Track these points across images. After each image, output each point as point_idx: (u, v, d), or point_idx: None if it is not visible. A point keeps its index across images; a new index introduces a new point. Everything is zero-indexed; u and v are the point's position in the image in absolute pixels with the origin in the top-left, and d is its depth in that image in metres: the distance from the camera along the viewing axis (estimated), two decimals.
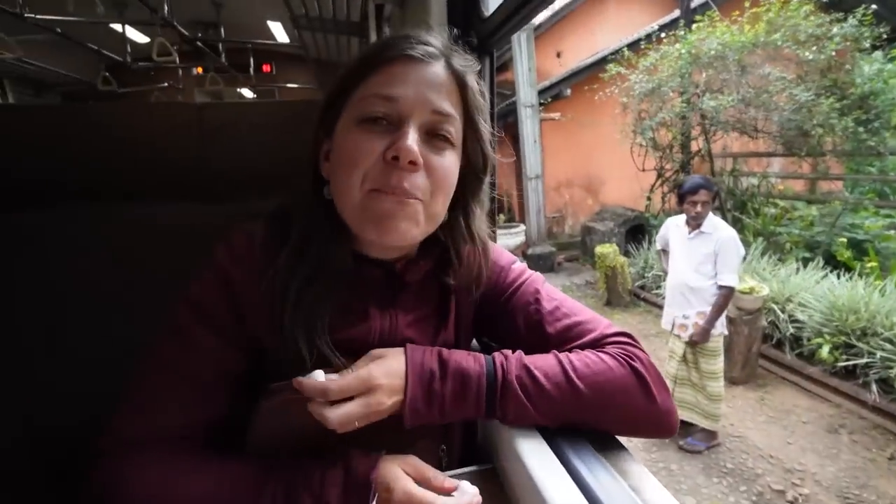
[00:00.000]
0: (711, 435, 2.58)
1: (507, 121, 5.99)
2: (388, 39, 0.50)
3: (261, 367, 0.52)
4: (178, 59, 4.32)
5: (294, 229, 0.51)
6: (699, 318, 2.43)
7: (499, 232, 5.82)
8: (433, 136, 0.48)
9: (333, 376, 0.46)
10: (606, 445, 0.50)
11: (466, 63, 0.51)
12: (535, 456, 0.48)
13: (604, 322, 0.57)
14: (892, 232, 4.18)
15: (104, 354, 0.73)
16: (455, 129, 0.49)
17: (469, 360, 0.51)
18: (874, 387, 2.60)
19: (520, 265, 0.63)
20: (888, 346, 2.60)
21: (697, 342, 2.44)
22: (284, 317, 0.48)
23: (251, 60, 5.56)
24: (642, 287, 4.65)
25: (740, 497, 2.24)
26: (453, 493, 0.47)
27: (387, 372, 0.47)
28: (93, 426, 0.48)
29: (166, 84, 5.87)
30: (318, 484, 0.45)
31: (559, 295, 0.60)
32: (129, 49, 4.38)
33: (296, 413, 0.47)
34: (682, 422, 2.63)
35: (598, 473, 0.45)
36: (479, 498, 0.47)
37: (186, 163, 0.78)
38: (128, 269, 0.76)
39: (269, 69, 6.58)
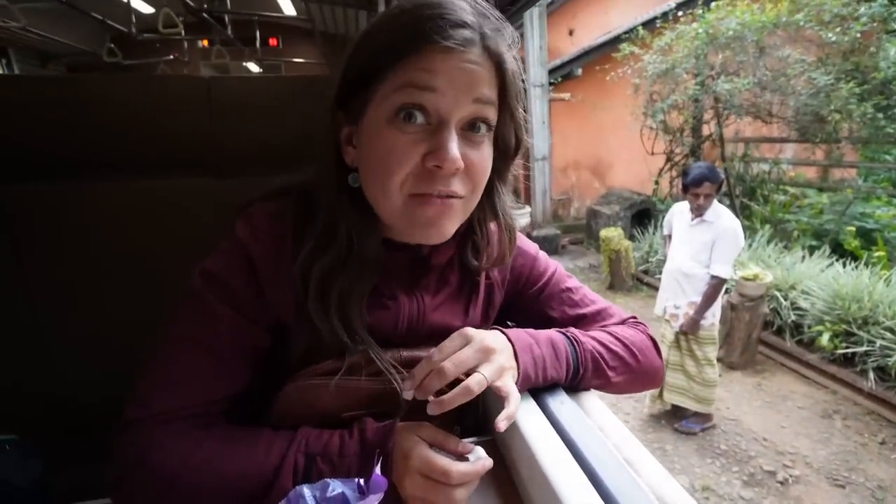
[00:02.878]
0: (706, 417, 2.62)
1: None
2: (418, 14, 0.42)
3: (283, 344, 0.52)
4: (183, 31, 4.27)
5: (319, 215, 0.49)
6: (690, 308, 2.45)
7: None
8: (470, 128, 0.45)
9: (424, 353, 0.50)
10: (582, 398, 0.55)
11: (501, 37, 0.46)
12: (531, 423, 0.50)
13: (617, 307, 0.66)
14: None
15: (110, 331, 0.76)
16: (492, 115, 0.47)
17: (546, 331, 0.57)
18: (871, 374, 2.62)
19: (544, 254, 0.66)
20: (888, 334, 2.61)
21: (687, 332, 2.47)
22: (316, 303, 0.47)
23: (257, 33, 5.48)
24: (645, 272, 4.65)
25: (732, 477, 2.29)
26: (468, 457, 0.47)
27: (494, 339, 0.50)
28: (110, 399, 0.50)
29: (172, 56, 5.82)
30: (335, 452, 0.46)
31: (577, 282, 0.65)
32: (133, 20, 4.31)
33: (319, 397, 0.49)
34: (675, 405, 2.68)
35: (587, 434, 0.47)
36: (491, 461, 0.48)
37: (195, 137, 0.78)
38: (134, 245, 0.76)
39: (275, 43, 6.49)
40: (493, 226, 0.56)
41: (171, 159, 0.78)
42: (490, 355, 0.48)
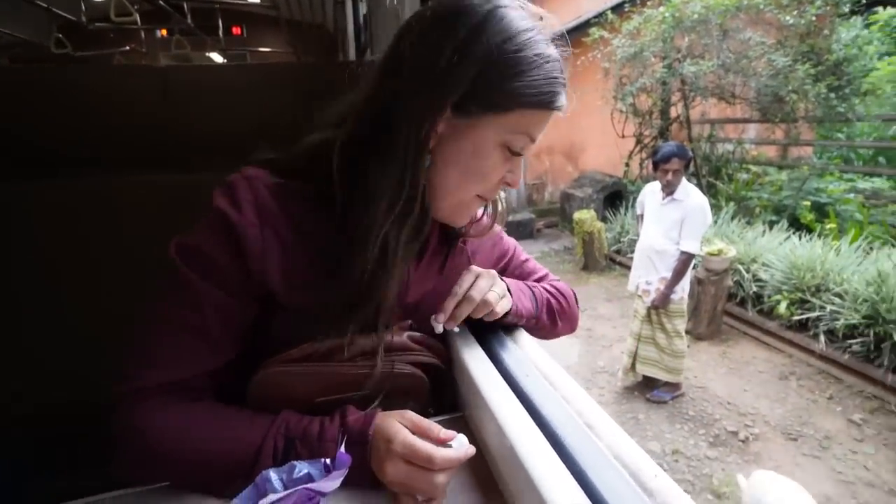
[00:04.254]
0: (675, 386, 2.78)
1: None
2: (553, 73, 0.48)
3: (269, 315, 0.51)
4: (138, 20, 4.03)
5: (370, 182, 0.47)
6: (661, 283, 2.57)
7: None
8: None
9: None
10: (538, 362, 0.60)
11: None
12: (496, 395, 0.52)
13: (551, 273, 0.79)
14: (851, 196, 4.38)
15: (61, 329, 0.71)
16: None
17: (516, 280, 0.69)
18: (822, 337, 2.82)
19: (504, 233, 0.76)
20: (837, 300, 2.81)
21: (659, 307, 2.59)
22: (381, 271, 0.48)
23: (220, 22, 5.27)
24: (618, 252, 4.81)
25: (699, 439, 2.45)
26: (451, 444, 0.48)
27: (495, 275, 0.62)
28: (76, 403, 0.48)
29: (128, 48, 5.51)
30: (315, 437, 0.47)
31: (526, 254, 0.78)
32: (83, 7, 3.99)
33: (292, 384, 0.50)
34: (647, 376, 2.83)
35: (539, 389, 0.52)
36: (474, 449, 0.48)
37: (151, 129, 0.73)
38: (86, 244, 0.71)
39: (239, 31, 6.27)
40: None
41: (125, 153, 0.74)
42: (494, 281, 0.61)
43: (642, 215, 2.79)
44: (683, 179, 2.51)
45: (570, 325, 0.75)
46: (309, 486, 0.37)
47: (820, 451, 2.28)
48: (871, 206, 4.42)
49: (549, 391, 0.51)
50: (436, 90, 0.45)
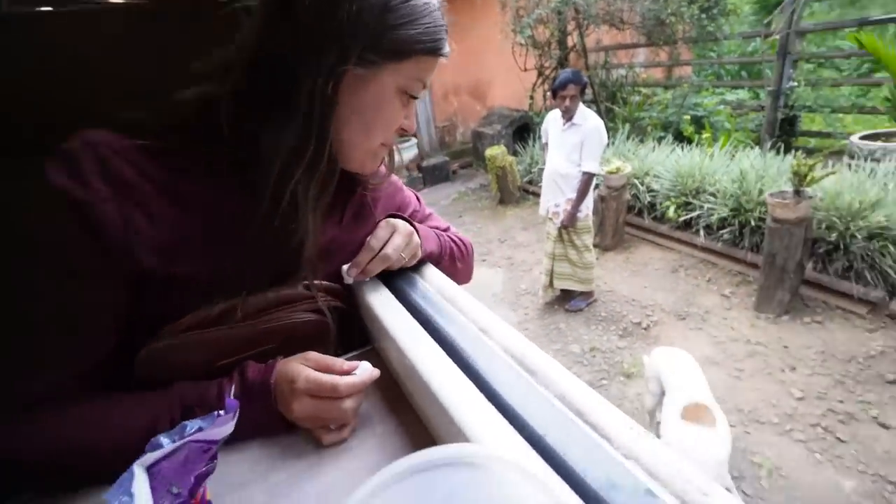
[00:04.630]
0: (588, 294, 3.08)
1: None
2: (441, 25, 0.50)
3: (151, 292, 0.47)
4: None
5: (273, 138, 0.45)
6: (567, 204, 2.76)
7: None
8: None
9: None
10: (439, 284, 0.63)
11: None
12: (396, 319, 0.54)
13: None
14: (721, 107, 4.92)
15: None
16: None
17: (421, 225, 0.71)
18: (701, 232, 3.26)
19: (405, 186, 0.78)
20: (712, 199, 3.23)
21: (567, 226, 2.80)
22: (293, 226, 0.47)
23: None
24: (530, 182, 5.03)
25: (611, 334, 2.78)
26: (354, 373, 0.49)
27: (407, 226, 0.63)
28: None
29: None
30: (214, 399, 0.46)
31: (429, 208, 0.83)
32: None
33: (186, 355, 0.48)
34: (563, 290, 3.11)
35: (442, 313, 0.54)
36: (378, 371, 0.50)
37: None
38: None
39: None
40: None
41: None
42: (410, 238, 0.62)
43: (547, 143, 2.92)
44: (581, 104, 2.63)
45: (466, 274, 0.81)
46: (196, 437, 0.36)
47: (702, 323, 2.71)
48: (736, 116, 5.02)
49: (446, 309, 0.53)
50: (341, 42, 0.44)
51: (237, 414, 0.38)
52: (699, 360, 2.41)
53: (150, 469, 0.34)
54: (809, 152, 4.84)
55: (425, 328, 0.51)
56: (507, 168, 4.80)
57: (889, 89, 4.26)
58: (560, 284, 3.04)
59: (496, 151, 4.79)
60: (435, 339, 0.48)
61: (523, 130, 5.81)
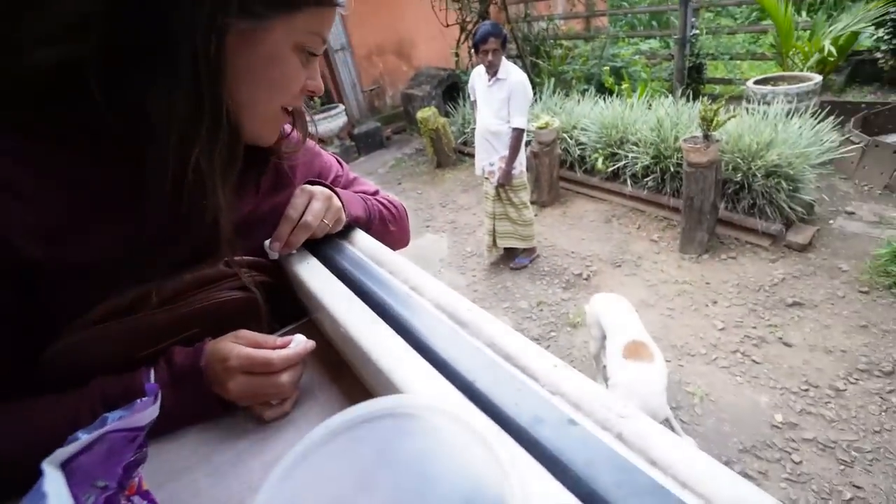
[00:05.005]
0: (531, 251, 3.19)
1: None
2: None
3: (42, 286, 0.43)
4: None
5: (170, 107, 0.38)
6: (501, 162, 2.77)
7: (317, 117, 5.22)
8: None
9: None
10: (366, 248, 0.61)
11: None
12: (326, 287, 0.53)
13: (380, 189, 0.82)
14: (637, 57, 5.12)
15: None
16: None
17: (346, 191, 0.68)
18: (628, 181, 3.45)
19: (325, 151, 0.74)
20: (635, 148, 3.40)
21: (504, 184, 2.83)
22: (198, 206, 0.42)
23: None
24: (465, 143, 4.99)
25: (555, 287, 2.92)
26: (290, 347, 0.49)
27: (326, 192, 0.59)
28: None
29: None
30: (139, 387, 0.43)
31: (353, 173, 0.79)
32: None
33: (102, 348, 0.44)
34: (507, 248, 3.18)
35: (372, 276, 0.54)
36: (313, 342, 0.50)
37: None
38: None
39: None
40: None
41: None
42: (329, 202, 0.59)
43: (475, 101, 2.87)
44: (504, 58, 2.59)
45: (402, 236, 0.78)
46: (116, 426, 0.33)
47: (636, 269, 2.93)
48: (651, 65, 5.26)
49: (376, 272, 0.54)
50: None
51: (159, 397, 0.36)
52: (635, 304, 2.62)
53: (66, 466, 0.32)
54: (715, 98, 5.23)
55: (356, 293, 0.51)
56: (441, 130, 4.70)
57: (773, 36, 4.67)
58: (503, 243, 3.11)
59: (427, 114, 4.66)
60: (366, 303, 0.49)
61: (452, 90, 5.68)
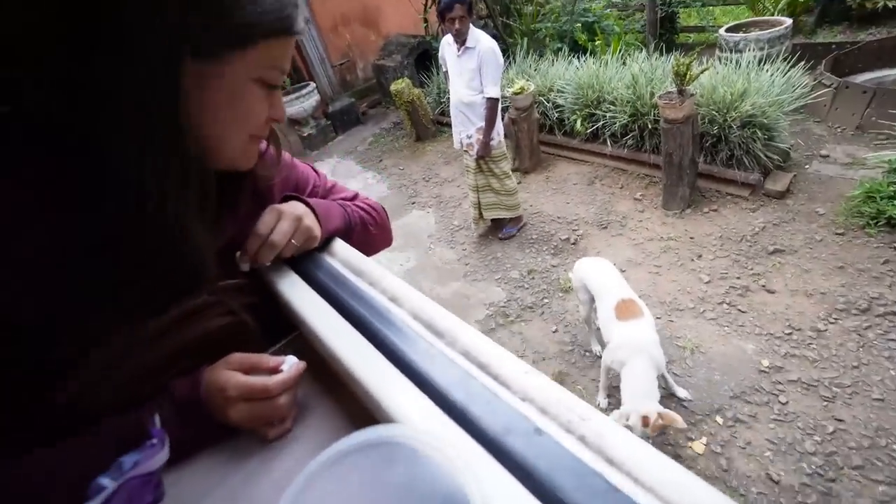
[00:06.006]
0: (518, 220, 3.20)
1: None
2: (288, 3, 0.43)
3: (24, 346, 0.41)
4: None
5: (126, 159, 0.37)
6: (478, 133, 2.73)
7: (289, 98, 5.02)
8: None
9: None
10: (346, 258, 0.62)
11: None
12: (309, 307, 0.54)
13: (363, 193, 0.81)
14: (609, 11, 4.99)
15: None
16: None
17: (328, 201, 0.69)
18: (608, 141, 3.44)
19: (298, 161, 0.74)
20: (612, 107, 3.37)
21: (483, 156, 2.79)
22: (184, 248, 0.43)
23: None
24: (442, 113, 4.89)
25: (544, 255, 2.95)
26: (282, 368, 0.50)
27: (297, 208, 0.60)
28: None
29: None
30: (146, 424, 0.43)
31: (331, 179, 0.78)
32: None
33: (105, 389, 0.44)
34: (494, 219, 3.18)
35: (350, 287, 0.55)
36: (304, 364, 0.52)
37: None
38: None
39: None
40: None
41: None
42: (299, 222, 0.59)
43: (447, 72, 2.79)
44: (472, 26, 2.50)
45: (384, 237, 0.79)
46: (134, 473, 0.36)
47: (621, 229, 2.97)
48: (624, 18, 5.14)
49: (355, 285, 0.55)
50: (167, 33, 0.35)
51: (166, 441, 0.38)
52: (623, 264, 2.68)
53: None
54: (691, 48, 5.17)
55: (337, 309, 0.52)
56: (417, 102, 4.58)
57: None
58: (489, 214, 3.11)
59: (401, 86, 4.52)
60: (347, 319, 0.50)
61: (424, 58, 5.51)
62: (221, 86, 0.42)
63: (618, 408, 1.61)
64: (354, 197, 0.77)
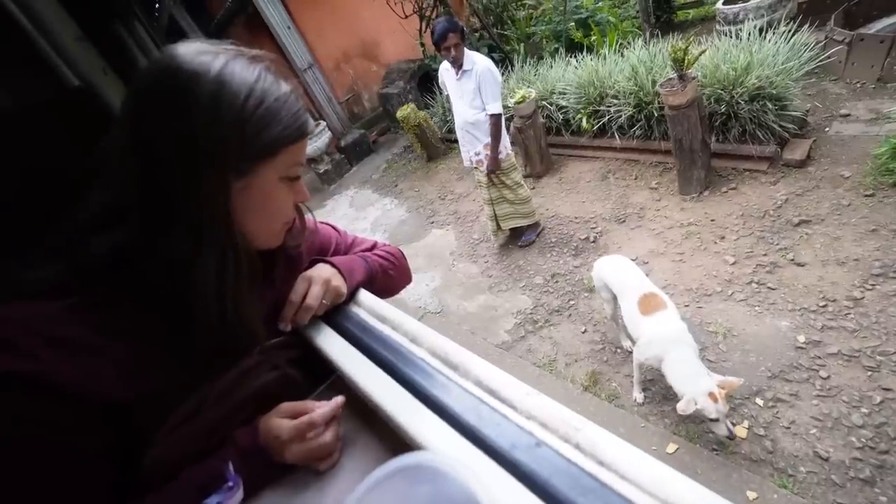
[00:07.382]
0: (535, 226, 3.24)
1: (248, 12, 5.08)
2: (297, 111, 0.54)
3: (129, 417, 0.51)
4: None
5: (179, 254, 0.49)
6: (486, 150, 2.82)
7: None
8: None
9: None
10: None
11: None
12: (343, 355, 0.63)
13: (382, 241, 0.89)
14: (600, 4, 4.99)
15: None
16: None
17: (350, 256, 0.79)
18: (616, 134, 3.45)
19: (321, 223, 0.82)
20: (615, 101, 3.38)
21: (494, 170, 2.87)
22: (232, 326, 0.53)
23: None
24: (450, 131, 5.00)
25: (565, 257, 2.98)
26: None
27: (325, 271, 0.69)
28: None
29: None
30: (221, 473, 0.52)
31: (350, 232, 0.87)
32: None
33: (185, 444, 0.53)
34: (512, 228, 3.24)
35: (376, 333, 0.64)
36: (343, 397, 0.59)
37: None
38: None
39: None
40: None
41: None
42: (328, 284, 0.68)
43: (448, 95, 2.90)
44: (465, 49, 2.61)
45: (403, 278, 0.88)
46: None
47: (640, 220, 2.96)
48: (618, 6, 5.13)
49: (380, 330, 0.64)
50: (214, 168, 0.48)
51: (240, 483, 0.46)
52: (645, 255, 2.68)
53: None
54: (691, 24, 5.09)
55: (365, 354, 0.61)
56: (424, 124, 4.73)
57: None
58: (507, 225, 3.17)
59: (407, 111, 4.69)
60: (373, 361, 0.59)
61: (426, 80, 5.67)
62: (256, 191, 0.53)
63: (653, 402, 1.62)
64: (373, 246, 0.86)
